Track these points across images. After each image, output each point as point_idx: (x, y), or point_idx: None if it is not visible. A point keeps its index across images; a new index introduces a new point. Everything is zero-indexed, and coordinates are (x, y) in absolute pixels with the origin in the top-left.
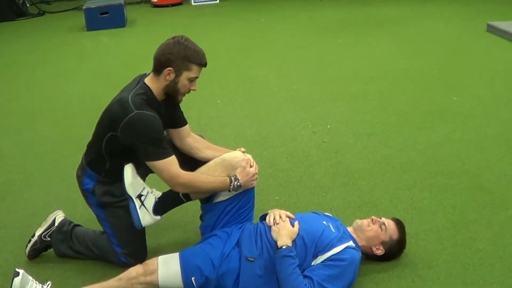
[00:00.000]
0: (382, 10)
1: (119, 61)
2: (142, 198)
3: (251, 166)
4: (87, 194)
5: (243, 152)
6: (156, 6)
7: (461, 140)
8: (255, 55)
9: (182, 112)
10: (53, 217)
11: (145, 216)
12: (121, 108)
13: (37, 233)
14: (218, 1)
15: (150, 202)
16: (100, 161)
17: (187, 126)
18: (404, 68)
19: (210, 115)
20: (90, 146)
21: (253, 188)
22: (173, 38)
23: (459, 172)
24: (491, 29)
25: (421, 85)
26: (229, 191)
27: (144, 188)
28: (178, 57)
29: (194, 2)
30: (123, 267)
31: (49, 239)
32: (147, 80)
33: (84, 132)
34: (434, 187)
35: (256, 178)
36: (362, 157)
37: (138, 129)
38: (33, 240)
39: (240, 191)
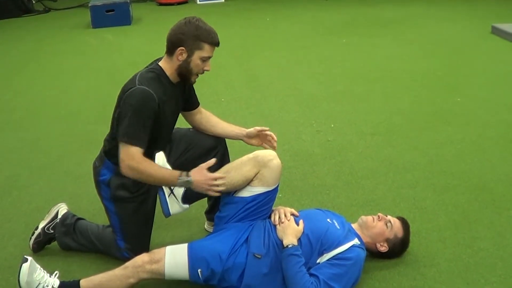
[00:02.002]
0: (387, 11)
1: (124, 59)
2: (172, 186)
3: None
4: (102, 185)
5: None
6: (161, 4)
7: (464, 141)
8: (260, 54)
9: (196, 95)
10: (56, 209)
11: (174, 204)
12: (128, 83)
13: (41, 226)
14: (223, 0)
15: (179, 190)
16: (118, 149)
17: (200, 107)
18: (408, 69)
19: (214, 113)
20: (109, 134)
21: (276, 191)
22: (185, 18)
23: (461, 172)
24: (496, 31)
25: (425, 86)
26: (176, 185)
27: None
28: (190, 36)
29: (200, 1)
30: (127, 261)
31: (52, 231)
32: (160, 62)
33: (88, 128)
34: (436, 186)
35: (215, 189)
36: (365, 156)
37: (131, 101)
38: (36, 232)
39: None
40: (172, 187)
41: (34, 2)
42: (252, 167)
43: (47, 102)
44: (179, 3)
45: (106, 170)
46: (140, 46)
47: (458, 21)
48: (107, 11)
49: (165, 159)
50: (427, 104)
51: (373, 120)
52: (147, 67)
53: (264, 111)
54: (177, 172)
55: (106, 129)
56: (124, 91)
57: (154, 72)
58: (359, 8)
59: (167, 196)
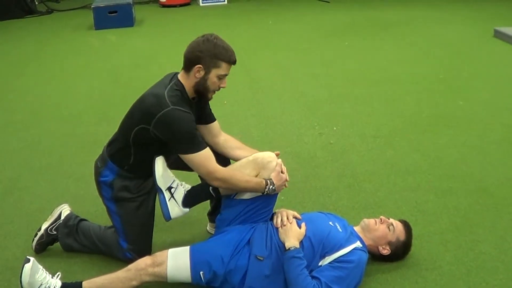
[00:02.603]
0: (389, 14)
1: (127, 60)
2: (172, 190)
3: (283, 172)
4: (103, 186)
5: (277, 154)
6: (164, 6)
7: (465, 144)
8: (262, 56)
9: (210, 109)
10: (59, 210)
11: (174, 208)
12: (157, 102)
13: (44, 227)
14: (226, 2)
15: (179, 194)
16: (125, 154)
17: (216, 123)
18: (410, 72)
19: (217, 115)
20: (116, 138)
21: (276, 193)
22: (203, 36)
23: (463, 175)
24: (498, 34)
25: (427, 88)
26: (263, 193)
27: (174, 180)
28: (207, 54)
29: (202, 3)
30: (129, 263)
31: (55, 232)
32: (180, 78)
33: (91, 129)
34: (438, 189)
35: (287, 185)
36: (367, 159)
37: (172, 125)
38: (39, 233)
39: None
40: (172, 191)
41: (37, 3)
42: (252, 170)
43: (49, 103)
44: (181, 5)
45: (108, 172)
46: (143, 48)
47: (460, 24)
48: (110, 13)
49: (165, 163)
50: (429, 107)
51: (375, 122)
52: (168, 83)
53: (266, 113)
54: (262, 181)
55: (108, 130)
56: (152, 111)
57: (179, 91)
58: (361, 10)
59: (167, 200)
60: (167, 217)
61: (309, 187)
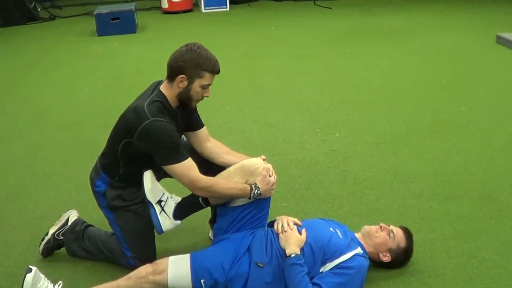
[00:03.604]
0: (391, 20)
1: (129, 67)
2: (162, 203)
3: (270, 176)
4: (98, 196)
5: (264, 160)
6: (166, 12)
7: (468, 151)
8: (265, 62)
9: (199, 116)
10: (67, 216)
11: (166, 221)
12: (137, 115)
13: (51, 232)
14: (228, 9)
15: (170, 207)
16: (114, 165)
17: (204, 129)
18: (413, 78)
19: (219, 121)
20: (106, 150)
21: (269, 197)
22: (186, 45)
23: (466, 182)
24: (501, 40)
25: (429, 95)
26: (249, 198)
27: (163, 193)
28: (191, 64)
29: (205, 9)
30: (132, 270)
31: (62, 237)
32: (162, 87)
33: (93, 136)
34: (441, 196)
35: (275, 187)
36: (370, 166)
37: (153, 136)
38: (46, 238)
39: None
40: (162, 205)
41: (39, 9)
42: (240, 178)
43: (51, 109)
44: (184, 11)
45: (100, 182)
46: (145, 54)
47: (463, 30)
48: (112, 19)
49: (153, 177)
50: (431, 114)
51: (377, 129)
52: (149, 94)
53: (268, 119)
54: (247, 187)
55: None
56: (133, 124)
57: (160, 102)
58: (363, 17)
59: (158, 213)
60: (159, 230)
61: (311, 193)
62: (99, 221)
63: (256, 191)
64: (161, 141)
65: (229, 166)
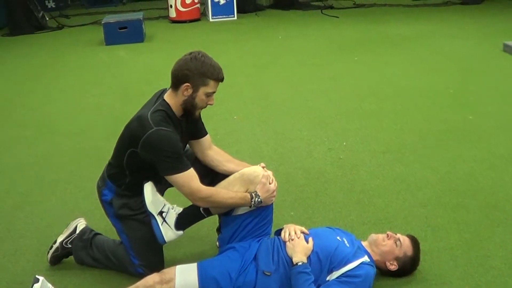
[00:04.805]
0: (398, 29)
1: (137, 76)
2: (164, 214)
3: (270, 183)
4: (105, 205)
5: (263, 167)
6: (174, 21)
7: (475, 159)
8: (272, 71)
9: (203, 123)
10: (75, 224)
11: (168, 232)
12: (140, 125)
13: (59, 240)
14: (235, 18)
15: (171, 218)
16: (121, 174)
17: (207, 137)
18: (420, 87)
19: (227, 130)
20: (112, 159)
21: (271, 204)
22: (190, 53)
23: (473, 190)
24: (508, 48)
25: (436, 103)
26: (250, 207)
27: (165, 204)
28: (195, 73)
29: (212, 19)
30: (140, 278)
31: (70, 246)
32: (166, 96)
33: (100, 145)
34: (448, 205)
35: (275, 195)
36: (377, 174)
37: (156, 146)
38: (54, 246)
39: (260, 206)
40: (164, 216)
41: (47, 19)
42: (240, 186)
43: (59, 118)
44: (191, 21)
45: (107, 191)
46: (153, 63)
47: (469, 38)
48: (120, 28)
49: (154, 189)
50: (438, 122)
51: (384, 138)
52: (153, 103)
53: (276, 128)
54: (247, 195)
55: None
56: (137, 134)
57: (164, 111)
58: (370, 26)
59: (160, 224)
60: (161, 241)
61: (318, 202)
62: (107, 229)
63: (257, 199)
64: (163, 150)
65: (230, 174)
